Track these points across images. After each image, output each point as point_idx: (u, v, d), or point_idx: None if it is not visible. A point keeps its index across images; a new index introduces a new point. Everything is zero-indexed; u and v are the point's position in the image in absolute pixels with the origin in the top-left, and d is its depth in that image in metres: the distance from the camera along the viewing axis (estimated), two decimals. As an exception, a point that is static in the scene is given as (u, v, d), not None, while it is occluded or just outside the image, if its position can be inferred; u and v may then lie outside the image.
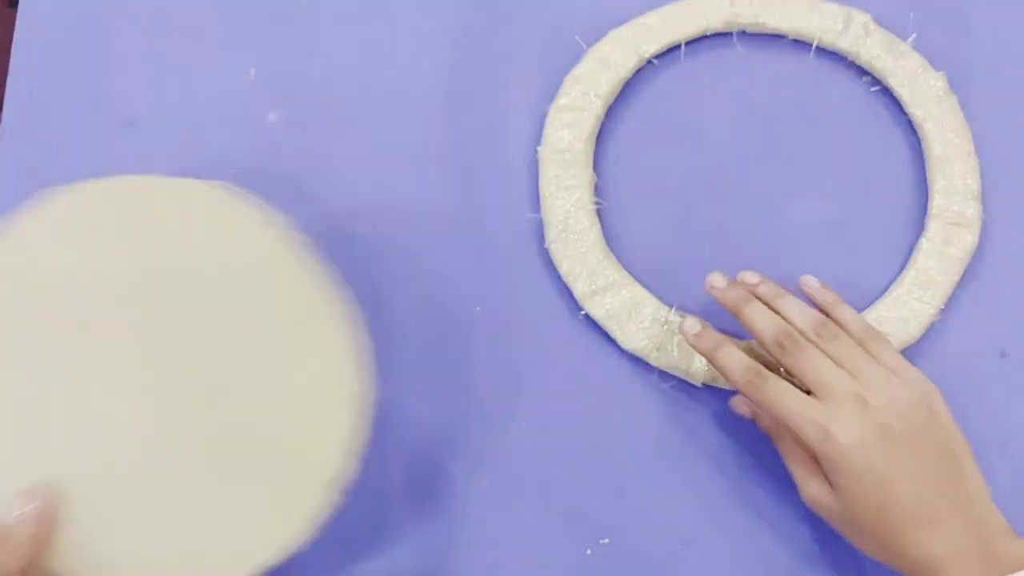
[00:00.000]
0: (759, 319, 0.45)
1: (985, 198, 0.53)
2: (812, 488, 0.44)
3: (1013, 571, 0.40)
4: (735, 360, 0.45)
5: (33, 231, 0.43)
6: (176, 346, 0.41)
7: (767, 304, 0.46)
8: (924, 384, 0.44)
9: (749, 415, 0.49)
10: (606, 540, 0.49)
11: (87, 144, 0.56)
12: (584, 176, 0.53)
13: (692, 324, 0.47)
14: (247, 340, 0.42)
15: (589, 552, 0.49)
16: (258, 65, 0.57)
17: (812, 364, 0.44)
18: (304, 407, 0.41)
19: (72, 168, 0.55)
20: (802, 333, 0.45)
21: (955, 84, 0.54)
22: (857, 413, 0.42)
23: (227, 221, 0.44)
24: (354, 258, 0.51)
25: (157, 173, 0.55)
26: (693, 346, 0.47)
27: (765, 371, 0.45)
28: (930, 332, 0.51)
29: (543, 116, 0.55)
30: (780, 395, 0.44)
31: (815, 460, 0.44)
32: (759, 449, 0.50)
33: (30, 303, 0.42)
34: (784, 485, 0.49)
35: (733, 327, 0.48)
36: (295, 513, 0.40)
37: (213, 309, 0.42)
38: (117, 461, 0.40)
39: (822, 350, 0.44)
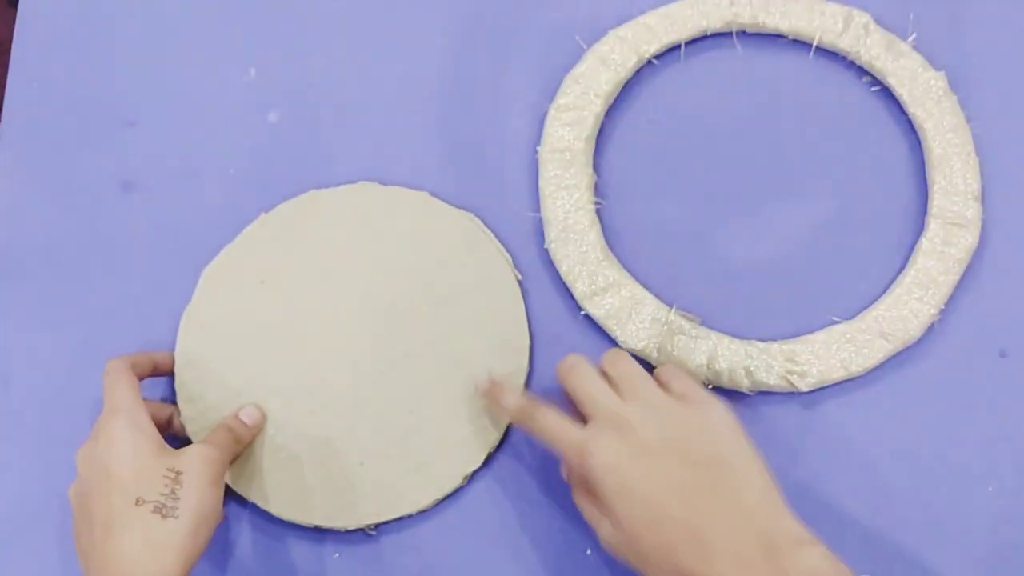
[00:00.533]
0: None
1: (985, 198, 0.53)
2: (603, 529, 0.42)
3: None
4: (511, 397, 0.47)
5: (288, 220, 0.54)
6: (396, 309, 0.52)
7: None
8: (706, 403, 0.43)
9: (567, 479, 0.47)
10: None
11: (87, 144, 0.56)
12: (584, 176, 0.53)
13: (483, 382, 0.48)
14: (452, 305, 0.52)
15: (589, 552, 0.49)
16: (258, 65, 0.57)
17: (582, 383, 0.44)
18: (495, 354, 0.51)
19: (72, 168, 0.56)
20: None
21: (955, 84, 0.54)
22: (615, 432, 0.41)
23: (431, 217, 0.54)
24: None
25: (156, 172, 0.55)
26: (483, 395, 0.49)
27: (537, 403, 0.45)
28: (930, 332, 0.51)
29: (543, 116, 0.55)
30: (546, 422, 0.44)
31: (597, 502, 0.43)
32: (759, 449, 0.50)
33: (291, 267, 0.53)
34: (784, 485, 0.49)
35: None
36: (486, 437, 0.50)
37: (426, 281, 0.52)
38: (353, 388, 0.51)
39: (604, 372, 0.45)
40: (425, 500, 0.49)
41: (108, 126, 0.56)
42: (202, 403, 0.51)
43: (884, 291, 0.52)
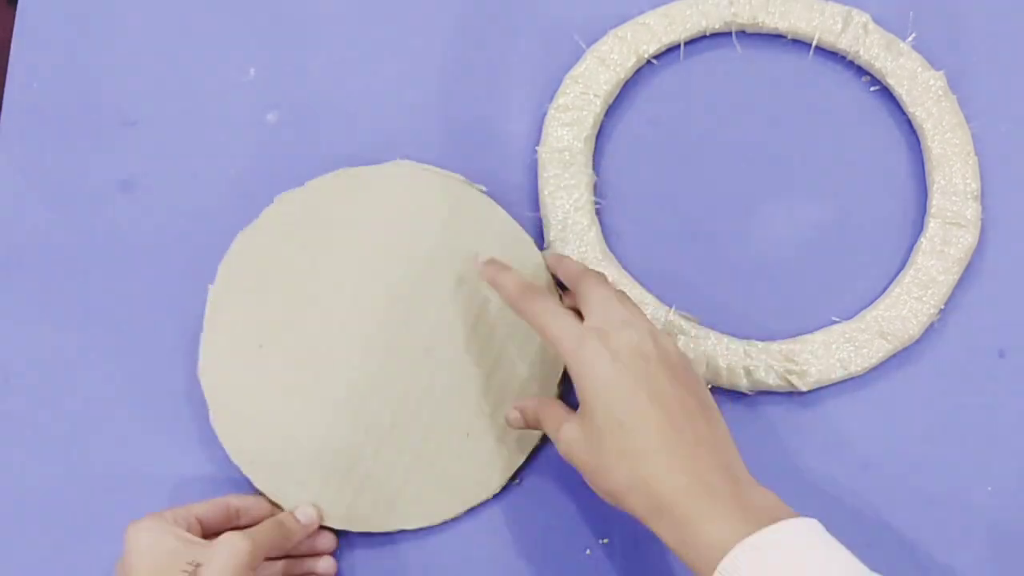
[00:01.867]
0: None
1: (984, 198, 0.53)
2: (565, 431, 0.42)
3: (771, 521, 0.37)
4: (512, 278, 0.46)
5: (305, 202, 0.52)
6: (410, 301, 0.50)
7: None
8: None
9: (519, 421, 0.47)
10: (605, 540, 0.49)
11: (86, 144, 0.56)
12: (584, 176, 0.53)
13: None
14: (484, 302, 0.50)
15: (588, 552, 0.49)
16: (258, 65, 0.57)
17: (593, 294, 0.44)
18: (528, 381, 0.50)
19: (72, 167, 0.56)
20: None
21: (954, 84, 0.54)
22: (620, 330, 0.41)
23: (461, 202, 0.52)
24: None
25: (156, 172, 0.55)
26: (482, 274, 0.48)
27: (538, 289, 0.45)
28: (929, 332, 0.51)
29: (543, 116, 0.55)
30: (545, 311, 0.44)
31: (568, 409, 0.43)
32: (759, 449, 0.50)
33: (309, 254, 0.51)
34: (784, 485, 0.49)
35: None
36: (517, 447, 0.50)
37: (446, 270, 0.51)
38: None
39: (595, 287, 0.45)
40: (453, 510, 0.49)
41: (107, 126, 0.56)
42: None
43: (883, 291, 0.52)
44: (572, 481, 0.49)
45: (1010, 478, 0.49)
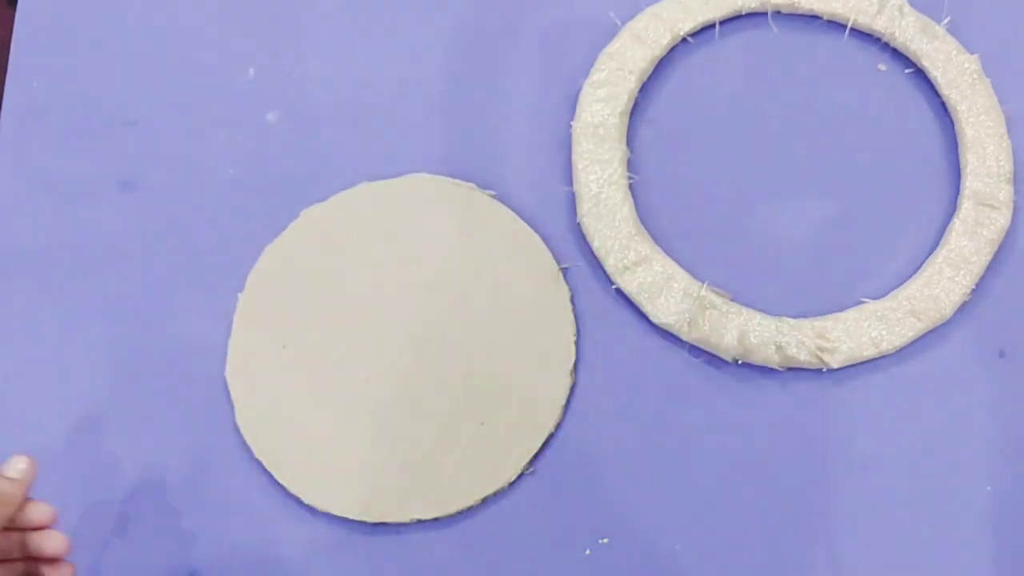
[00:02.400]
0: None
1: (1017, 181, 0.53)
2: None
3: None
4: None
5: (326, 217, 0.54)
6: (436, 312, 0.52)
7: None
8: None
9: None
10: (605, 540, 0.49)
11: (86, 143, 0.56)
12: (617, 151, 0.53)
13: None
14: (497, 307, 0.52)
15: (588, 552, 0.49)
16: (257, 65, 0.57)
17: None
18: (538, 372, 0.51)
19: (71, 167, 0.55)
20: None
21: (988, 67, 0.54)
22: None
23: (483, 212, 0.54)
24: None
25: (156, 172, 0.55)
26: None
27: None
28: (961, 311, 0.51)
29: (577, 92, 0.55)
30: None
31: None
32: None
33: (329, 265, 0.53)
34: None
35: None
36: (531, 436, 0.50)
37: (466, 281, 0.52)
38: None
39: None
40: (468, 500, 0.49)
41: (107, 125, 0.56)
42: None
43: (915, 271, 0.52)
44: (572, 481, 0.50)
45: (1011, 480, 0.49)
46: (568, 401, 0.51)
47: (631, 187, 0.53)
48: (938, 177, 0.54)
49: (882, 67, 0.55)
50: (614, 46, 0.55)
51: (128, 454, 0.51)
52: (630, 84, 0.54)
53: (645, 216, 0.53)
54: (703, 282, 0.51)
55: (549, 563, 0.49)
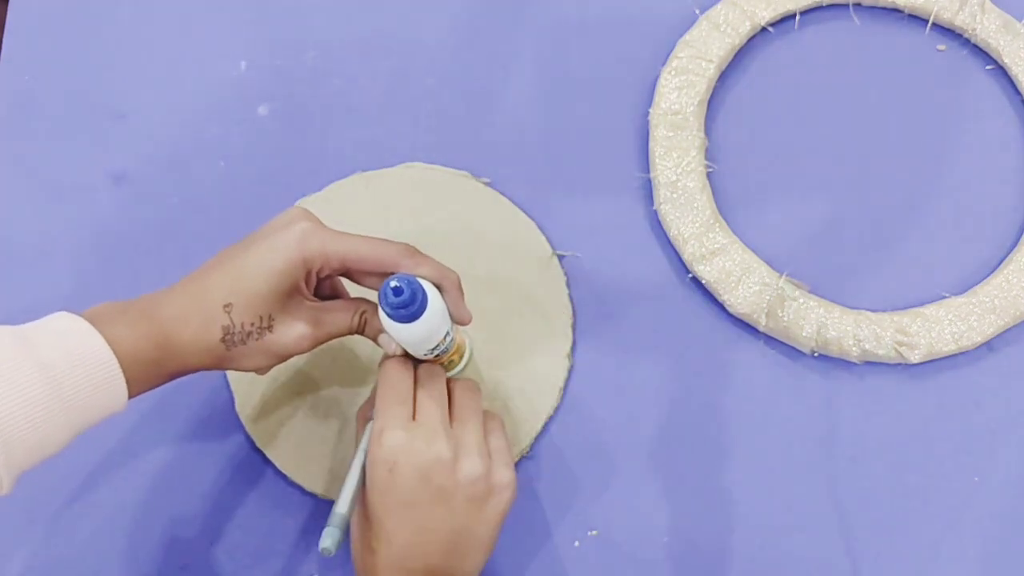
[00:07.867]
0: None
1: (1097, 181, 0.53)
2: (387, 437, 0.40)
3: None
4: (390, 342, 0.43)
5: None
6: None
7: None
8: (498, 474, 0.41)
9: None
10: (594, 531, 0.48)
11: (77, 136, 0.55)
12: (696, 139, 0.53)
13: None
14: (495, 291, 0.51)
15: (577, 543, 0.48)
16: (248, 58, 0.57)
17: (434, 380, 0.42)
18: (534, 361, 0.51)
19: (62, 160, 0.55)
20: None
21: (1070, 66, 0.54)
22: (428, 443, 0.39)
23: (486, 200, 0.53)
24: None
25: (147, 165, 0.54)
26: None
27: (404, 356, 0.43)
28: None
29: (654, 80, 0.54)
30: (386, 376, 0.42)
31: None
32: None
33: None
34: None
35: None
36: (531, 418, 0.50)
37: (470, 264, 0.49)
38: None
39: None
40: None
41: (99, 118, 0.55)
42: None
43: (994, 268, 0.52)
44: (561, 473, 0.49)
45: (1010, 480, 0.49)
46: (566, 384, 0.50)
47: (709, 176, 0.53)
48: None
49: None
50: (692, 34, 0.55)
51: (124, 446, 0.50)
52: (709, 72, 0.54)
53: (723, 205, 0.53)
54: (781, 273, 0.51)
55: (537, 554, 0.48)
